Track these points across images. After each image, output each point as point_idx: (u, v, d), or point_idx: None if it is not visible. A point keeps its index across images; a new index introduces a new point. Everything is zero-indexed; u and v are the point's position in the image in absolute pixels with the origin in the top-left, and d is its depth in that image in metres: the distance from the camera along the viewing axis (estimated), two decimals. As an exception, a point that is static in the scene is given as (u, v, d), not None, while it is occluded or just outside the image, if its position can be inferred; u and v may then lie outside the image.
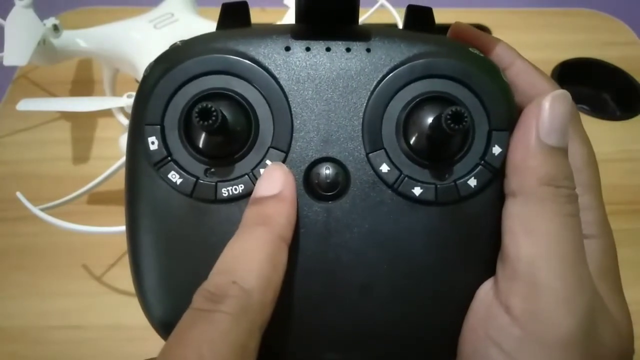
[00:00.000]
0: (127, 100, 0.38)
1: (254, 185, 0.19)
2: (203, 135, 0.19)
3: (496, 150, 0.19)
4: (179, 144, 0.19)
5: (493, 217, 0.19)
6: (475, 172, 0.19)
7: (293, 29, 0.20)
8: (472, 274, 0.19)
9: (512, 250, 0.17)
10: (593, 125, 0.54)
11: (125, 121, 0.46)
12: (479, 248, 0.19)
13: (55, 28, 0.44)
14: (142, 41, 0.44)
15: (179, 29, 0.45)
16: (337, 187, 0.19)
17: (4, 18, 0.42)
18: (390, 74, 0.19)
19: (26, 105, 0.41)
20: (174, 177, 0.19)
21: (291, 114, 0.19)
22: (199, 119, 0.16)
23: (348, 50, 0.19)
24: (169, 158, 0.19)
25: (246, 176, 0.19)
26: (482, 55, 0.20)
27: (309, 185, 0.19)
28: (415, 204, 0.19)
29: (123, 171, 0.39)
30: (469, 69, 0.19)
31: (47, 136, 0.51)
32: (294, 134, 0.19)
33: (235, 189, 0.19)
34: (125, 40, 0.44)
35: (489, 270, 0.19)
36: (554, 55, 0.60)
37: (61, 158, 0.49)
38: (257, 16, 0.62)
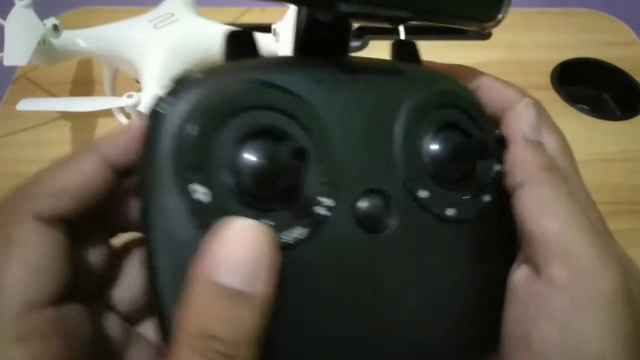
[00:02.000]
0: (127, 100, 0.38)
1: (319, 226, 0.18)
2: (253, 178, 0.17)
3: (496, 165, 0.21)
4: (226, 190, 0.16)
5: (505, 218, 0.20)
6: (488, 186, 0.21)
7: (320, 62, 0.19)
8: (501, 272, 0.20)
9: (538, 232, 0.19)
10: (593, 125, 0.54)
11: (125, 121, 0.46)
12: (501, 249, 0.21)
13: (55, 28, 0.44)
14: (142, 41, 0.44)
15: (179, 29, 0.45)
16: (383, 218, 0.19)
17: (4, 18, 0.42)
18: (413, 105, 0.20)
19: (26, 105, 0.41)
20: None
21: (332, 147, 0.18)
22: (296, 158, 0.15)
23: (373, 81, 0.20)
24: (220, 207, 0.16)
25: (303, 217, 0.17)
26: (464, 84, 0.22)
27: (357, 218, 0.18)
28: (453, 224, 0.20)
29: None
30: (468, 97, 0.21)
31: (47, 136, 0.51)
32: (337, 168, 0.18)
33: (293, 232, 0.17)
34: (125, 40, 0.44)
35: (510, 264, 0.20)
36: (554, 55, 0.60)
37: (61, 158, 0.49)
38: (258, 16, 0.62)
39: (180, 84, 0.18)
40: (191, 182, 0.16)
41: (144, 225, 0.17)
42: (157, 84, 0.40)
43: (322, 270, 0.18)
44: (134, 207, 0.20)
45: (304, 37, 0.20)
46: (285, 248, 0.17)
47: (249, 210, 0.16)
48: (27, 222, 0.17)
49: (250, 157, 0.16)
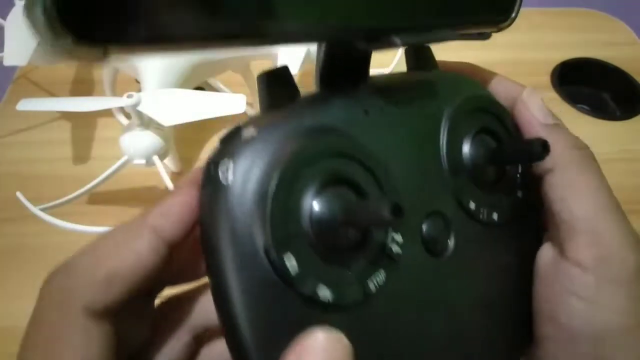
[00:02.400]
0: (127, 101, 0.38)
1: (393, 264, 0.17)
2: (339, 235, 0.16)
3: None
4: (309, 252, 0.16)
5: (534, 208, 0.21)
6: (518, 182, 0.21)
7: (357, 93, 0.19)
8: (533, 255, 0.21)
9: (566, 215, 0.19)
10: (593, 125, 0.54)
11: (125, 121, 0.46)
12: (536, 239, 0.21)
13: (55, 28, 0.44)
14: (142, 41, 0.44)
15: (179, 29, 0.45)
16: (445, 239, 0.19)
17: (4, 18, 0.42)
18: (450, 116, 0.20)
19: (26, 105, 0.41)
20: (324, 293, 0.15)
21: (389, 179, 0.18)
22: (394, 215, 0.14)
23: (410, 100, 0.20)
24: (308, 273, 0.15)
25: (378, 260, 0.17)
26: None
27: (425, 246, 0.18)
28: (498, 227, 0.20)
29: (123, 171, 0.39)
30: (491, 100, 0.22)
31: (47, 136, 0.51)
32: (399, 198, 0.18)
33: (374, 279, 0.17)
34: (125, 40, 0.44)
35: (540, 244, 0.21)
36: (554, 55, 0.60)
37: (61, 158, 0.49)
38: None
39: (235, 145, 0.16)
40: (279, 253, 0.15)
41: (224, 304, 0.15)
42: (157, 84, 0.40)
43: (402, 306, 0.18)
44: (179, 265, 0.19)
45: (332, 68, 0.19)
46: (369, 296, 0.16)
47: (331, 268, 0.16)
48: (77, 319, 0.16)
49: (336, 215, 0.16)
